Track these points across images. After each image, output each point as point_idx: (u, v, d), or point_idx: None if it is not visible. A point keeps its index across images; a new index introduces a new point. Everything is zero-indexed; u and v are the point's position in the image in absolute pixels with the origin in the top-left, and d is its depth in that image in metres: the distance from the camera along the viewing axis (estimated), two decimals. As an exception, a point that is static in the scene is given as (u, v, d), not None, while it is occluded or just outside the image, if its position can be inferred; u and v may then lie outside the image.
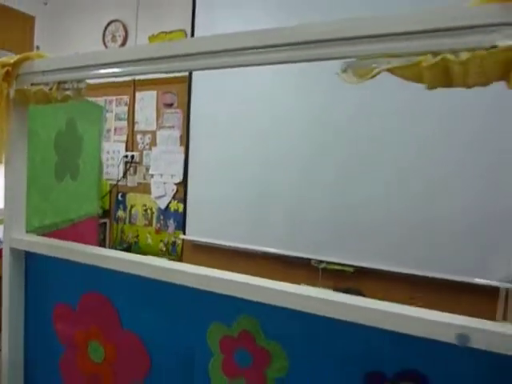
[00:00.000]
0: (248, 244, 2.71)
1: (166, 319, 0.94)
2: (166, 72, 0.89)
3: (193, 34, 2.90)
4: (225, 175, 2.78)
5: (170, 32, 3.12)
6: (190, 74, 2.87)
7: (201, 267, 0.87)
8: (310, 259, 2.50)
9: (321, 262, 2.47)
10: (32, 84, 1.05)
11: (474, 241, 2.06)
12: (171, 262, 0.93)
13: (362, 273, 2.34)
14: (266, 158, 2.64)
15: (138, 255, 0.96)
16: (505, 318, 2.05)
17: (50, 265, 1.11)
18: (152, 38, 3.18)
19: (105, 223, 3.44)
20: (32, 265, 1.15)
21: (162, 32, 3.14)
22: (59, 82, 1.00)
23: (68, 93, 1.01)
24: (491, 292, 2.08)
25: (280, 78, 2.53)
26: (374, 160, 2.31)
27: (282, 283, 0.77)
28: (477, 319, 0.65)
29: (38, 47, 3.58)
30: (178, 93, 3.08)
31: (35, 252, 1.11)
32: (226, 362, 0.87)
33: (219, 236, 2.82)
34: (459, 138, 2.10)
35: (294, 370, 0.79)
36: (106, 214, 3.43)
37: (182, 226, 3.00)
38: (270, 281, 0.78)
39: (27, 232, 1.19)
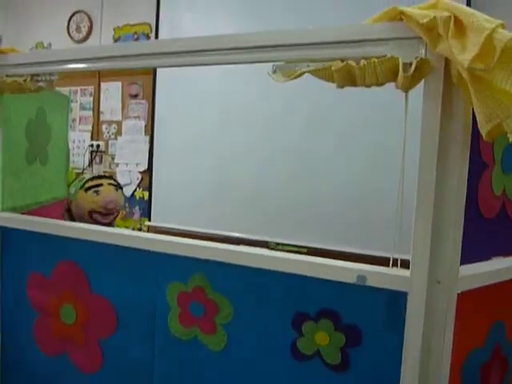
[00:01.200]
0: (211, 229, 2.86)
1: (130, 281, 1.09)
2: (134, 68, 1.04)
3: (157, 27, 3.00)
4: (188, 164, 2.92)
5: (135, 24, 3.20)
6: (155, 66, 2.97)
7: (159, 235, 1.03)
8: (267, 242, 2.69)
9: (277, 244, 2.67)
10: (6, 76, 1.17)
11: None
12: (133, 230, 1.08)
13: (314, 253, 2.54)
14: (228, 147, 2.80)
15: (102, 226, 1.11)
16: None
17: (24, 238, 1.23)
18: (117, 30, 3.26)
19: (71, 211, 3.50)
20: (7, 239, 1.27)
21: (127, 24, 3.22)
22: (33, 75, 1.13)
23: (41, 84, 1.13)
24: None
25: (245, 69, 2.67)
26: (325, 152, 2.52)
27: (224, 244, 0.94)
28: (373, 266, 0.84)
29: (0, 37, 3.57)
30: (143, 84, 3.18)
31: (10, 227, 1.23)
32: (182, 313, 1.03)
33: (183, 222, 2.96)
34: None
35: (236, 315, 0.97)
36: (71, 202, 3.49)
37: (147, 213, 3.12)
38: (216, 243, 0.95)
39: (2, 210, 1.31)
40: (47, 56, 1.11)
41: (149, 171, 3.11)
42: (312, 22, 2.42)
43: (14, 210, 1.41)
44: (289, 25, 2.48)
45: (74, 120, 3.47)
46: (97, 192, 1.52)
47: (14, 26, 3.67)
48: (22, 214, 1.44)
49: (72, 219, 1.57)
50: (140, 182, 3.24)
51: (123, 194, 1.68)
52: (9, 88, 1.17)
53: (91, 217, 1.52)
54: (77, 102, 3.46)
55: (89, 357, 1.19)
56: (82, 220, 1.54)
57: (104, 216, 1.53)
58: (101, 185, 1.55)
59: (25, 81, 1.13)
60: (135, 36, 3.18)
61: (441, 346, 0.82)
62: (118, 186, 1.62)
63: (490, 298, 0.94)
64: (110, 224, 1.59)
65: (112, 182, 1.59)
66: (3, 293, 1.30)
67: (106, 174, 1.64)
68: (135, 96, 3.22)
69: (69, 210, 1.57)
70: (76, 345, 1.21)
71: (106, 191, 1.54)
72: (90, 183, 1.55)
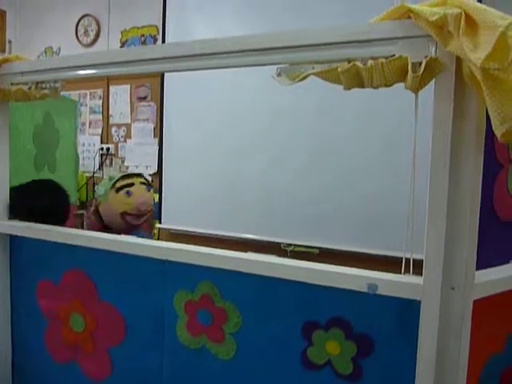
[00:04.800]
0: (222, 231, 2.85)
1: (138, 289, 1.08)
2: (136, 73, 1.03)
3: (164, 29, 2.99)
4: (198, 165, 2.91)
5: (142, 27, 3.20)
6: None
7: (165, 242, 1.01)
8: (279, 243, 2.67)
9: (289, 245, 2.64)
10: (11, 84, 1.16)
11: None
12: (140, 238, 1.07)
13: (325, 253, 2.52)
14: (236, 148, 2.78)
15: (110, 234, 1.10)
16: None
17: (32, 246, 1.23)
18: (124, 33, 3.26)
19: (82, 214, 3.52)
20: (16, 247, 1.27)
21: (134, 27, 3.22)
22: (37, 82, 1.12)
23: (46, 91, 1.12)
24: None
25: (250, 70, 2.66)
26: (335, 149, 2.48)
27: (233, 252, 0.92)
28: (384, 273, 0.81)
29: (10, 41, 3.60)
30: (152, 86, 3.18)
31: (18, 235, 1.23)
32: (189, 322, 1.02)
33: (194, 224, 2.95)
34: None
35: (245, 324, 0.95)
36: (83, 205, 3.51)
37: (157, 215, 3.12)
38: (223, 250, 0.93)
39: (9, 219, 1.31)
40: (51, 63, 1.11)
41: (159, 173, 3.10)
42: (319, 23, 2.38)
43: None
44: (296, 26, 2.44)
45: (83, 124, 3.49)
46: (129, 193, 1.47)
47: (24, 31, 3.70)
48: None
49: (100, 220, 1.52)
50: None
51: (154, 192, 1.63)
52: (14, 96, 1.16)
53: (123, 218, 1.46)
54: (86, 105, 3.48)
55: (98, 364, 1.19)
56: (111, 221, 1.48)
57: (137, 218, 1.48)
58: (132, 184, 1.49)
59: (29, 88, 1.13)
60: (142, 38, 3.18)
61: (457, 355, 0.78)
62: (149, 185, 1.57)
63: (508, 304, 0.90)
64: (141, 225, 1.54)
65: (143, 180, 1.54)
66: (14, 300, 1.31)
67: (136, 172, 1.58)
68: (144, 98, 3.22)
69: (97, 211, 1.52)
70: (85, 352, 1.20)
71: (139, 192, 1.48)
72: (121, 182, 1.48)
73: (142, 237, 1.48)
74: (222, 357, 0.99)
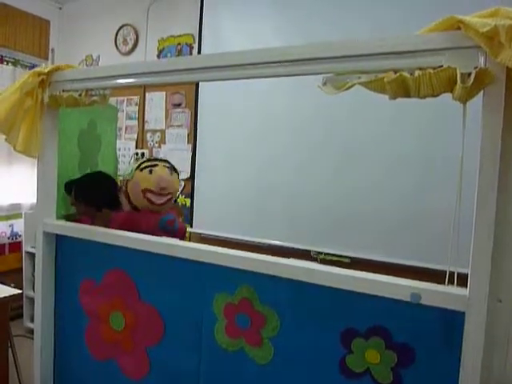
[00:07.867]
0: (252, 236, 2.87)
1: (178, 291, 1.11)
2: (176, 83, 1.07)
3: (200, 38, 3.06)
4: (230, 171, 2.95)
5: (179, 36, 3.28)
6: (198, 75, 3.03)
7: (207, 245, 1.04)
8: (309, 251, 2.66)
9: (319, 253, 2.63)
10: (63, 90, 1.22)
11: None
12: (181, 241, 1.10)
13: (357, 263, 2.49)
14: (267, 155, 2.80)
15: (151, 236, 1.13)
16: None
17: (76, 246, 1.28)
18: (161, 42, 3.35)
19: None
20: (61, 246, 1.33)
21: (171, 36, 3.31)
22: (87, 89, 1.17)
23: (95, 98, 1.18)
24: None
25: (280, 80, 2.68)
26: (365, 155, 2.46)
27: (274, 257, 0.94)
28: (428, 283, 0.81)
29: (52, 50, 3.76)
30: (186, 93, 3.24)
31: (64, 235, 1.29)
32: (228, 325, 1.03)
33: (225, 229, 2.98)
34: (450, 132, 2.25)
35: (283, 329, 0.96)
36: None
37: (189, 219, 3.17)
38: (264, 255, 0.95)
39: (56, 219, 1.37)
40: (101, 72, 1.16)
41: (191, 179, 3.16)
42: (348, 33, 2.38)
43: (67, 218, 1.48)
44: (330, 34, 2.46)
45: (120, 129, 3.58)
46: (151, 171, 1.53)
47: (66, 40, 3.85)
48: (76, 220, 1.50)
49: (128, 200, 1.56)
50: (183, 189, 3.30)
51: (179, 179, 1.67)
52: (65, 102, 1.22)
53: (145, 196, 1.50)
54: (123, 111, 3.58)
55: (136, 363, 1.22)
56: (137, 200, 1.52)
57: (157, 196, 1.51)
58: (156, 165, 1.56)
59: (80, 95, 1.18)
60: (179, 47, 3.26)
61: (502, 369, 0.77)
62: (173, 170, 1.62)
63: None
64: (171, 209, 1.57)
65: (167, 164, 1.60)
66: (57, 297, 1.36)
67: (162, 158, 1.65)
68: (178, 105, 3.29)
69: (126, 192, 1.57)
70: (124, 350, 1.24)
71: (160, 170, 1.54)
72: (146, 164, 1.57)
73: (173, 220, 1.51)
74: (259, 361, 1.00)
